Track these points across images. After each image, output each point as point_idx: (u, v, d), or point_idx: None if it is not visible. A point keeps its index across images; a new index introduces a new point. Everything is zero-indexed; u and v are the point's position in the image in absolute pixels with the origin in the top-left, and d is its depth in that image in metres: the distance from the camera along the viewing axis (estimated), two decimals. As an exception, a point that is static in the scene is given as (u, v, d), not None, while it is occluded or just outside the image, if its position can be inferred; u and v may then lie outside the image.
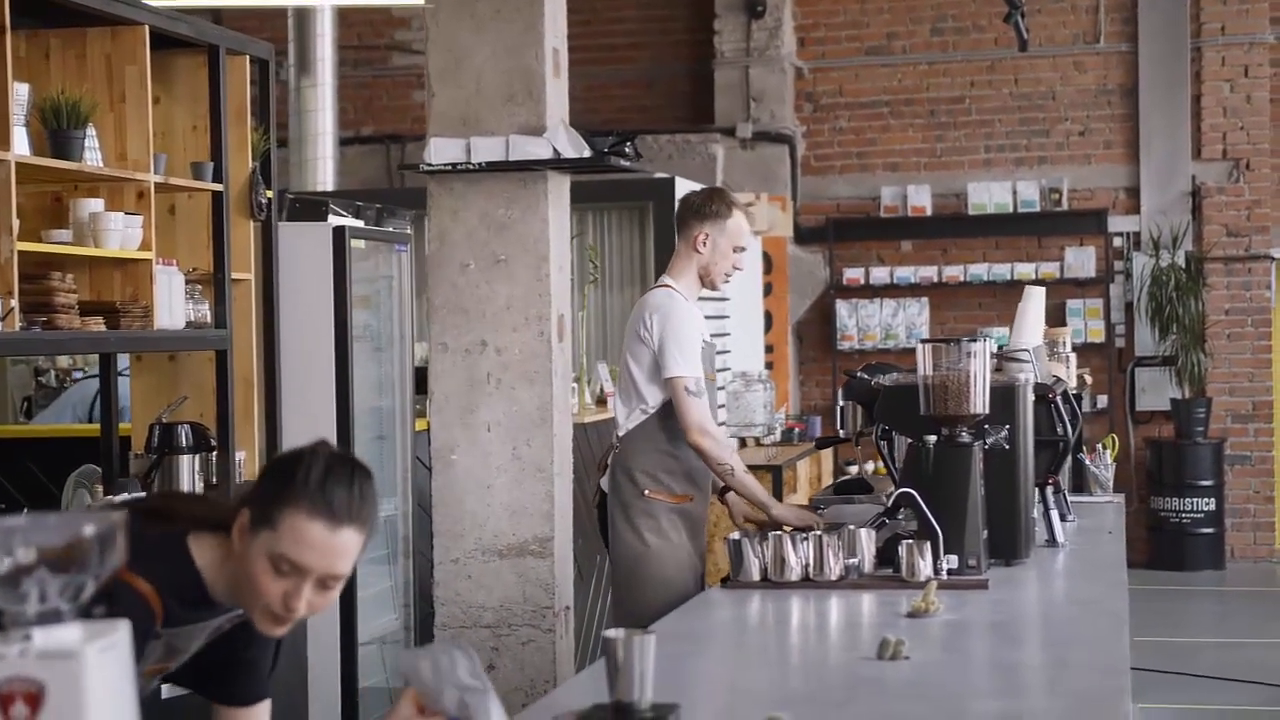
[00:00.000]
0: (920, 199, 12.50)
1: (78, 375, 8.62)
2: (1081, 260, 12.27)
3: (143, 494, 5.08)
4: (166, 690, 4.56)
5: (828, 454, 11.14)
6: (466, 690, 2.51)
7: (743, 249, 5.24)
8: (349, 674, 6.28)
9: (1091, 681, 3.02)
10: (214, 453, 5.54)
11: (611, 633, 2.64)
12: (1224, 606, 11.08)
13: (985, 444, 4.34)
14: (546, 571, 5.49)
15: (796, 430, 11.17)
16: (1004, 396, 4.46)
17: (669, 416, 5.08)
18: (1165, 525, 11.91)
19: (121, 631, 1.81)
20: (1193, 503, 11.86)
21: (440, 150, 5.83)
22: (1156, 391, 12.20)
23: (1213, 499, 11.89)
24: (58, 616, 1.77)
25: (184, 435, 5.42)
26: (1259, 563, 12.16)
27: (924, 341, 4.39)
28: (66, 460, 5.92)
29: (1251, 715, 7.72)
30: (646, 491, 5.10)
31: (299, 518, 2.48)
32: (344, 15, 12.26)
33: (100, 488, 5.46)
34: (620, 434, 5.21)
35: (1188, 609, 10.82)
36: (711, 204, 5.23)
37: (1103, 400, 12.22)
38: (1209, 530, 11.91)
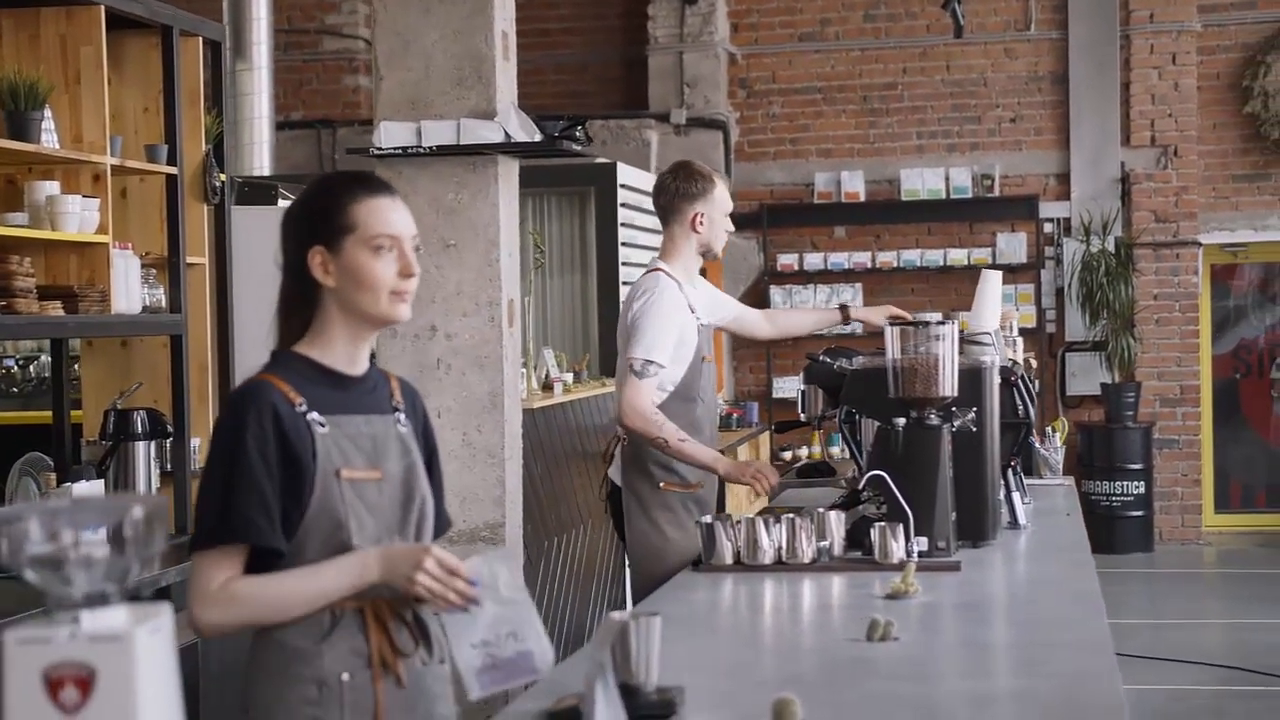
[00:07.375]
0: (854, 185, 12.55)
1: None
2: (1013, 246, 12.37)
3: None
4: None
5: (764, 439, 11.20)
6: (507, 604, 2.54)
7: (730, 210, 5.40)
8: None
9: (1081, 662, 3.05)
10: (169, 439, 5.47)
11: (618, 615, 2.64)
12: (1153, 588, 11.22)
13: (953, 426, 4.37)
14: (497, 557, 5.45)
15: (735, 416, 11.21)
16: (971, 379, 4.48)
17: (677, 404, 5.04)
18: (1096, 508, 12.03)
19: (165, 614, 1.79)
20: (1122, 486, 12.01)
21: (390, 134, 5.79)
22: (1087, 376, 12.33)
23: (1142, 482, 12.04)
24: (105, 599, 1.75)
25: (140, 421, 5.33)
26: (1186, 545, 12.33)
27: (893, 324, 4.41)
28: (14, 448, 5.81)
29: (1182, 694, 7.83)
30: (662, 484, 5.07)
31: (365, 203, 2.79)
32: (275, -1, 12.11)
33: (53, 475, 5.37)
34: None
35: (1118, 590, 10.91)
36: (697, 183, 5.28)
37: (1035, 384, 12.32)
38: (1138, 513, 12.06)
